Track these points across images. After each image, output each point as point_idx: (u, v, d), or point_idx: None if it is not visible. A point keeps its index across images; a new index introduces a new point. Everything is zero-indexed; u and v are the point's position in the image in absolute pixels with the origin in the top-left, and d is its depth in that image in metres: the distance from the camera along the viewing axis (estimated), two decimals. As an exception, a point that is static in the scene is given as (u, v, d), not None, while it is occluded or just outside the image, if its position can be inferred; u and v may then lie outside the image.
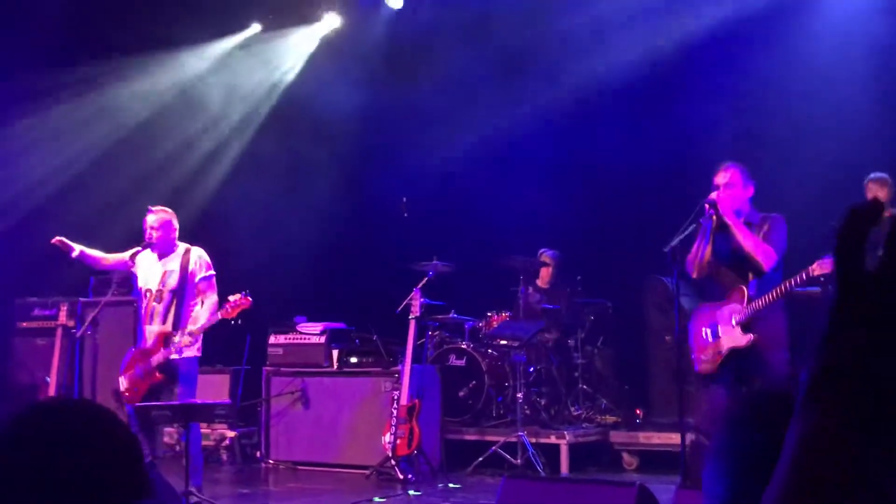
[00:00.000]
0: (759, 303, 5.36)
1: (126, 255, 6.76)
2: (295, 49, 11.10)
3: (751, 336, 5.39)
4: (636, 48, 9.07)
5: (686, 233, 5.54)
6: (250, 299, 6.44)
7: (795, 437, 0.75)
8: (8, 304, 9.74)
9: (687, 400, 6.10)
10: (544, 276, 9.44)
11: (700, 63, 8.94)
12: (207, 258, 6.68)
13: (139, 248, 6.67)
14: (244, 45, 11.07)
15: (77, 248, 6.77)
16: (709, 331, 5.60)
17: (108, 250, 6.93)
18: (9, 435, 1.43)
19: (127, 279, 7.01)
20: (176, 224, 6.74)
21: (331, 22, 10.84)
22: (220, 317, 6.41)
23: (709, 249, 5.59)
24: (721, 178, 5.54)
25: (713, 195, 5.53)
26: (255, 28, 11.03)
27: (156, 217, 6.64)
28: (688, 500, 4.17)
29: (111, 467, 1.40)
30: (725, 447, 1.43)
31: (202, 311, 6.54)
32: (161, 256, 6.68)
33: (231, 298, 6.43)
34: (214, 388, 9.14)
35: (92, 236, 7.27)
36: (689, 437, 5.69)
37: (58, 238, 6.81)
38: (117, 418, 1.47)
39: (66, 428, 1.41)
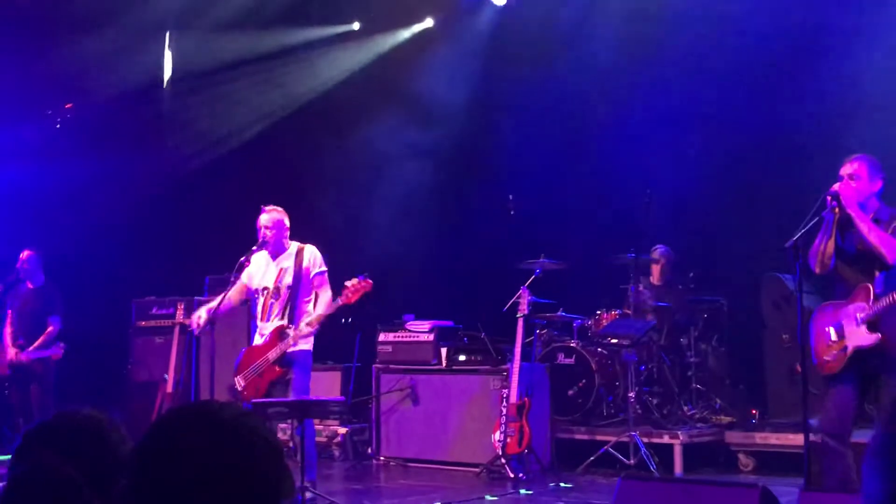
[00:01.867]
0: (887, 300, 5.14)
1: (243, 278, 6.77)
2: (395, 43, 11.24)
3: (878, 335, 5.17)
4: (763, 30, 8.79)
5: (808, 227, 5.34)
6: (370, 281, 6.46)
7: None
8: (126, 303, 10.09)
9: (809, 400, 5.90)
10: (656, 274, 9.28)
11: (837, 43, 8.55)
12: (320, 255, 6.77)
13: (254, 249, 6.77)
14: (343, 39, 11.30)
15: (205, 315, 6.67)
16: (832, 329, 5.40)
17: (231, 251, 6.98)
18: (159, 438, 1.45)
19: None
20: (287, 223, 6.84)
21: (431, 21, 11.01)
22: (340, 303, 6.46)
23: (831, 243, 5.38)
24: (846, 170, 5.33)
25: (835, 187, 5.33)
26: (355, 25, 11.30)
27: (269, 217, 6.74)
28: (813, 502, 4.01)
29: (261, 469, 1.41)
30: (885, 445, 1.37)
31: (319, 307, 6.63)
32: (274, 256, 6.78)
33: (349, 283, 6.46)
34: (326, 386, 9.27)
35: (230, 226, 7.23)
36: (813, 438, 5.49)
37: (196, 324, 6.75)
38: (262, 421, 1.48)
39: (217, 430, 1.42)
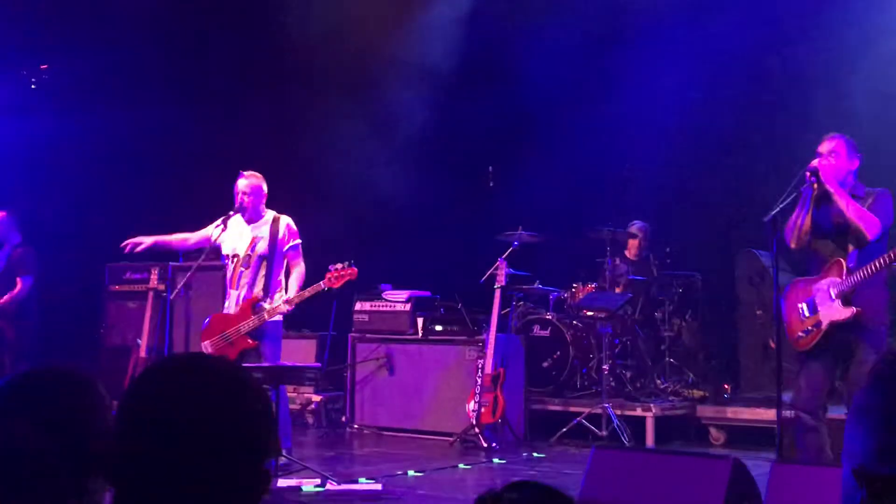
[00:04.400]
0: (860, 274, 5.18)
1: (209, 229, 6.72)
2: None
3: (853, 309, 5.21)
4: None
5: (786, 202, 5.37)
6: (356, 269, 6.41)
7: None
8: (100, 267, 9.99)
9: (781, 375, 5.95)
10: (632, 248, 9.32)
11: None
12: (295, 227, 6.68)
13: (230, 213, 6.68)
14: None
15: (149, 240, 6.75)
16: (805, 306, 5.44)
17: (207, 217, 6.92)
18: (142, 386, 1.44)
19: (218, 246, 7.03)
20: (266, 190, 6.75)
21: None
22: (323, 287, 6.39)
23: (808, 218, 5.42)
24: (825, 147, 5.37)
25: (814, 162, 5.36)
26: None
27: (247, 182, 6.65)
28: (785, 475, 4.06)
29: (250, 420, 1.40)
30: (870, 403, 1.38)
31: (292, 280, 6.54)
32: (249, 222, 6.68)
33: (334, 267, 6.41)
34: (302, 353, 9.25)
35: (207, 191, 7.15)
36: (786, 413, 5.55)
37: (127, 242, 6.80)
38: (252, 375, 1.47)
39: (204, 380, 1.40)
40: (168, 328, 7.59)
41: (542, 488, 1.35)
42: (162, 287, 9.01)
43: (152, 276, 9.33)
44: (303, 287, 6.49)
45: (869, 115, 7.88)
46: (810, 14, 8.65)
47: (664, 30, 9.11)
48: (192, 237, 6.86)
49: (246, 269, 6.58)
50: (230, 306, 6.62)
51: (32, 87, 11.17)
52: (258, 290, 6.53)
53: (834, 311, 5.27)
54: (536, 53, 9.53)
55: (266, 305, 6.43)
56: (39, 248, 9.26)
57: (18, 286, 8.95)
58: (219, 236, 6.66)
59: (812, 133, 5.75)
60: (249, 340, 6.43)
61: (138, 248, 6.79)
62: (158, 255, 9.44)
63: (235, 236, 6.68)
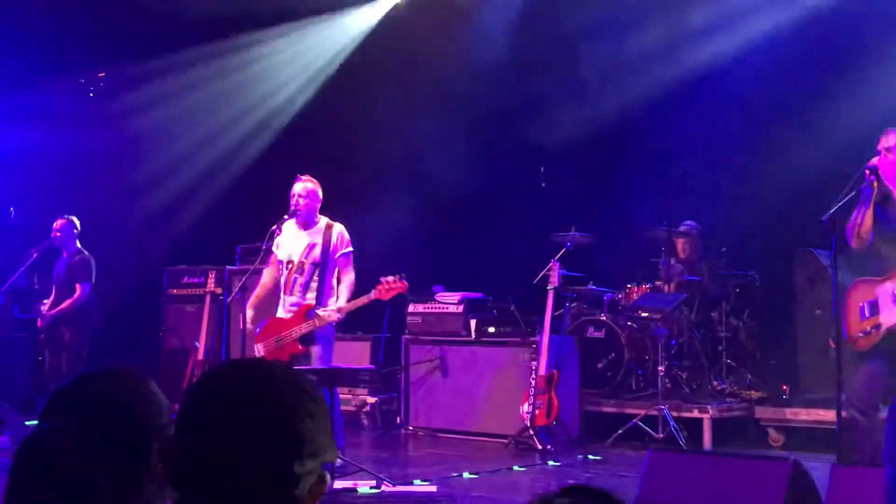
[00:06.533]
0: None
1: (273, 255, 6.80)
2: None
3: (912, 315, 5.10)
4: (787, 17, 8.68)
5: (845, 200, 5.28)
6: (406, 283, 6.45)
7: None
8: (159, 271, 10.16)
9: (841, 376, 5.85)
10: (684, 248, 9.21)
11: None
12: (347, 235, 6.71)
13: (285, 217, 6.74)
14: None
15: (251, 314, 6.79)
16: (867, 306, 5.35)
17: (262, 220, 6.97)
18: (204, 389, 1.45)
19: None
20: (321, 195, 6.79)
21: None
22: (374, 297, 6.45)
23: (868, 217, 5.32)
24: (885, 142, 5.27)
25: (874, 160, 5.26)
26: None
27: (303, 186, 6.69)
28: (845, 477, 3.99)
29: (308, 428, 1.41)
30: None
31: (342, 288, 6.58)
32: (304, 227, 6.72)
33: (385, 280, 6.45)
34: (356, 356, 9.32)
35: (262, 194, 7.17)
36: (844, 413, 5.45)
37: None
38: (308, 379, 1.48)
39: (265, 386, 1.42)
40: (225, 331, 7.69)
41: (596, 492, 1.34)
42: (219, 290, 9.15)
43: (209, 280, 9.47)
44: (353, 295, 6.55)
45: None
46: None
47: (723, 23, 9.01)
48: (269, 280, 6.91)
49: (300, 275, 6.64)
50: (283, 311, 6.69)
51: (90, 94, 11.40)
52: (311, 296, 6.58)
53: (894, 316, 5.17)
54: (591, 52, 9.49)
55: (320, 312, 6.48)
56: (99, 253, 9.43)
57: (77, 292, 9.14)
58: (275, 243, 6.73)
59: (873, 130, 5.62)
60: (300, 346, 6.49)
61: (251, 320, 6.80)
62: (215, 258, 9.64)
63: (290, 242, 6.74)
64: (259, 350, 6.66)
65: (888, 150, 5.26)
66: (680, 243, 9.19)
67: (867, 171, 5.24)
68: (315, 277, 6.60)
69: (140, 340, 10.15)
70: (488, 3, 10.26)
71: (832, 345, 6.55)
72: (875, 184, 5.26)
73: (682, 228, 9.11)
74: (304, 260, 6.63)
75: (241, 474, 1.35)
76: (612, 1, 9.48)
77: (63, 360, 9.12)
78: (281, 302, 6.74)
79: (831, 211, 5.25)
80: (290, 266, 6.70)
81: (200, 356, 9.15)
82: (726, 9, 9.00)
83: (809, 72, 8.83)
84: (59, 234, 9.27)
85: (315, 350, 6.52)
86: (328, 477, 1.45)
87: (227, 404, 1.38)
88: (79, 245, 9.32)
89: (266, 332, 6.67)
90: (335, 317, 6.48)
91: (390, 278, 6.43)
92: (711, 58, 9.14)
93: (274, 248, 6.82)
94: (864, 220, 5.31)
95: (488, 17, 10.24)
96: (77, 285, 9.15)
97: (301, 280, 6.62)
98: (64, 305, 9.11)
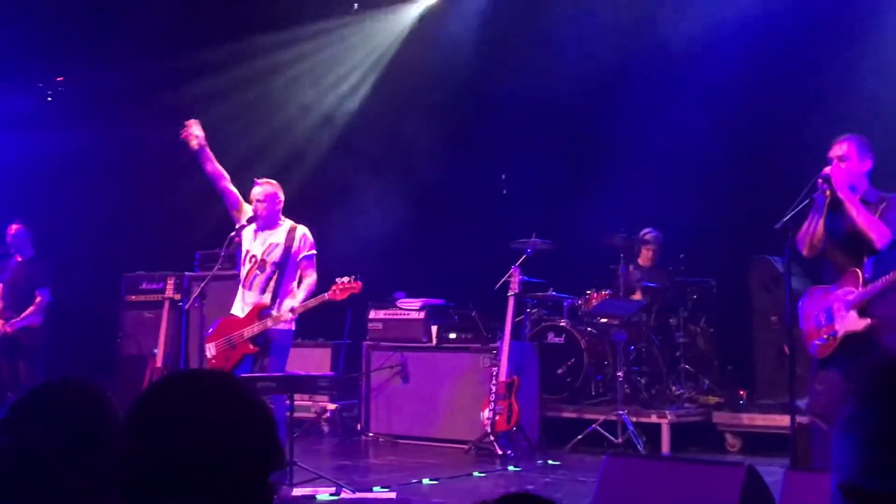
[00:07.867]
0: (876, 285, 5.14)
1: (245, 205, 6.59)
2: (393, 24, 11.11)
3: (868, 320, 5.17)
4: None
5: (798, 209, 5.35)
6: (360, 283, 6.40)
7: None
8: (116, 277, 10.05)
9: (796, 382, 5.93)
10: (645, 256, 9.30)
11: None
12: (311, 237, 6.63)
13: (244, 224, 6.61)
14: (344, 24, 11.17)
15: (203, 140, 6.46)
16: (822, 314, 5.41)
17: (221, 227, 6.88)
18: (147, 403, 1.45)
19: (233, 255, 7.03)
20: (281, 197, 6.65)
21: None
22: (327, 298, 6.38)
23: (821, 226, 5.38)
24: (836, 151, 5.32)
25: (827, 169, 5.33)
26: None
27: (262, 189, 6.56)
28: (798, 482, 4.05)
29: (251, 437, 1.41)
30: (855, 420, 1.38)
31: (300, 290, 6.48)
32: (265, 229, 6.62)
33: (340, 280, 6.42)
34: (316, 362, 9.28)
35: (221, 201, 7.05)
36: (800, 419, 5.53)
37: (192, 121, 6.53)
38: (255, 391, 1.48)
39: (207, 397, 1.42)
40: (184, 338, 7.63)
41: (535, 499, 1.36)
42: (178, 297, 9.08)
43: (168, 286, 9.40)
44: (310, 297, 6.50)
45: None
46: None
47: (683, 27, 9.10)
48: (228, 184, 6.63)
49: (261, 272, 6.53)
50: (238, 305, 6.58)
51: (48, 99, 11.26)
52: (267, 296, 6.49)
53: (849, 322, 5.23)
54: (555, 58, 9.56)
55: (273, 313, 6.42)
56: (56, 259, 9.31)
57: (38, 299, 9.02)
58: (240, 232, 6.58)
59: (825, 135, 5.70)
60: (251, 346, 6.38)
61: (192, 142, 6.47)
62: (174, 264, 9.55)
63: (252, 242, 6.65)
64: (210, 350, 6.51)
65: (840, 158, 5.31)
66: (645, 251, 9.28)
67: (820, 180, 5.31)
68: (274, 278, 6.52)
69: (98, 347, 10.03)
70: (454, 8, 10.34)
71: (786, 351, 6.64)
72: (828, 192, 5.32)
73: (647, 237, 9.19)
74: (266, 258, 6.53)
75: (187, 488, 1.35)
76: (577, 9, 9.56)
77: (20, 368, 8.99)
78: (239, 294, 6.60)
79: (785, 219, 5.31)
80: (252, 260, 6.55)
81: (159, 363, 9.07)
82: (692, 24, 9.08)
83: (769, 80, 8.97)
84: (15, 238, 9.15)
85: (268, 355, 6.41)
86: (275, 487, 1.45)
87: (168, 419, 1.39)
88: (33, 251, 9.21)
89: (218, 332, 6.55)
90: (288, 316, 6.37)
91: (345, 279, 6.39)
92: (671, 67, 9.24)
93: (238, 229, 6.57)
94: (816, 228, 5.37)
95: (453, 23, 10.30)
96: (37, 292, 9.03)
97: (261, 277, 6.50)
98: (29, 312, 8.98)
